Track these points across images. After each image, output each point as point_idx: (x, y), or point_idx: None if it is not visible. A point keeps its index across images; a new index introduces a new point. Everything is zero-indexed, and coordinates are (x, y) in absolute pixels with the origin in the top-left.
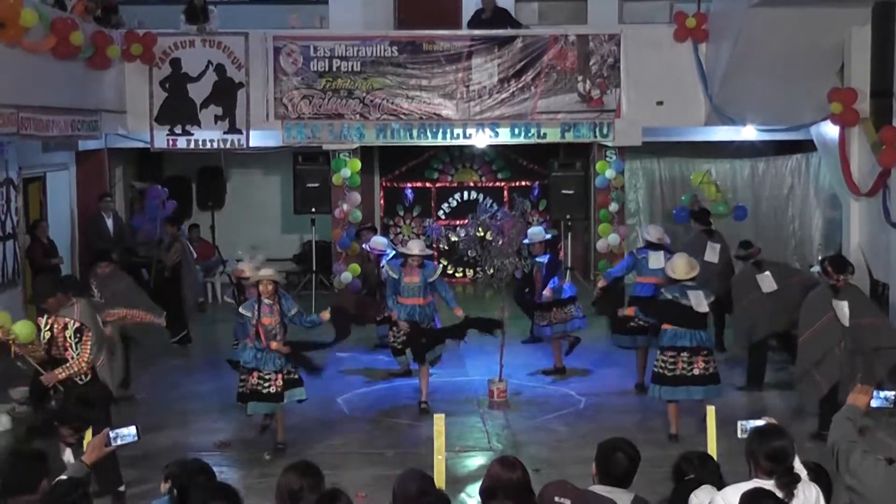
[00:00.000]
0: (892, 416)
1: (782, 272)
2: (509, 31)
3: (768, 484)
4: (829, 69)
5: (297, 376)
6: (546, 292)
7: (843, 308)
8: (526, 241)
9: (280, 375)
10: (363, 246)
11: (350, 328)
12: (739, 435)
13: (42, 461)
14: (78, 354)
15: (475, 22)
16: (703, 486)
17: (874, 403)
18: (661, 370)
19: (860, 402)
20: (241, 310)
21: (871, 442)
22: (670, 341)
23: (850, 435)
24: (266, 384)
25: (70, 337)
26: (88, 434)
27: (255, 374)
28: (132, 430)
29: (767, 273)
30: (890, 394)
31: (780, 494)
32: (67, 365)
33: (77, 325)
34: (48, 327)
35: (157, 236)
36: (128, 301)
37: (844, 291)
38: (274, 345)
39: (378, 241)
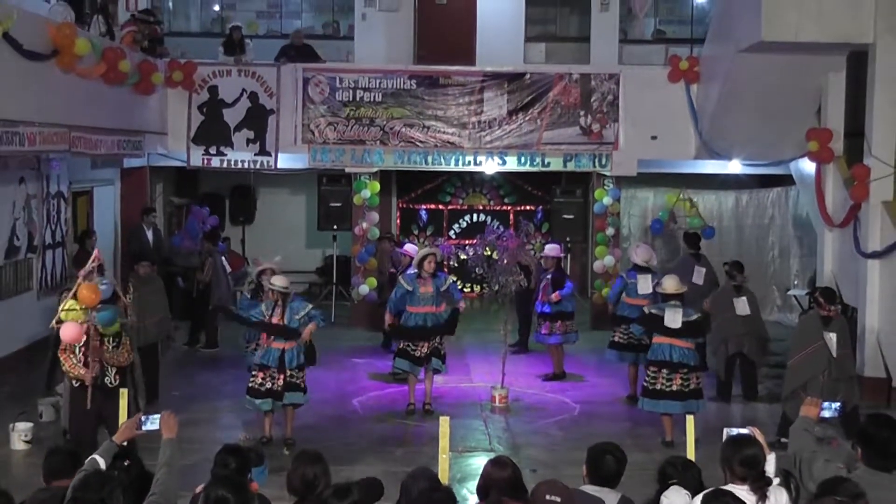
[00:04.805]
0: None
1: (752, 302)
2: (518, 69)
3: (742, 489)
4: (808, 111)
5: (298, 381)
6: (554, 296)
7: (832, 339)
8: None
9: (283, 376)
10: (398, 250)
11: None
12: None
13: (76, 455)
14: (116, 353)
15: (282, 54)
16: (672, 487)
17: (824, 414)
18: (646, 384)
19: (811, 413)
20: (263, 307)
21: (832, 450)
22: (653, 355)
23: (810, 445)
24: (271, 381)
25: (109, 340)
26: (123, 415)
27: (269, 370)
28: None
29: (744, 298)
30: (836, 405)
31: (753, 498)
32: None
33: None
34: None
35: (197, 249)
36: (153, 306)
37: (834, 323)
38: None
39: (412, 248)
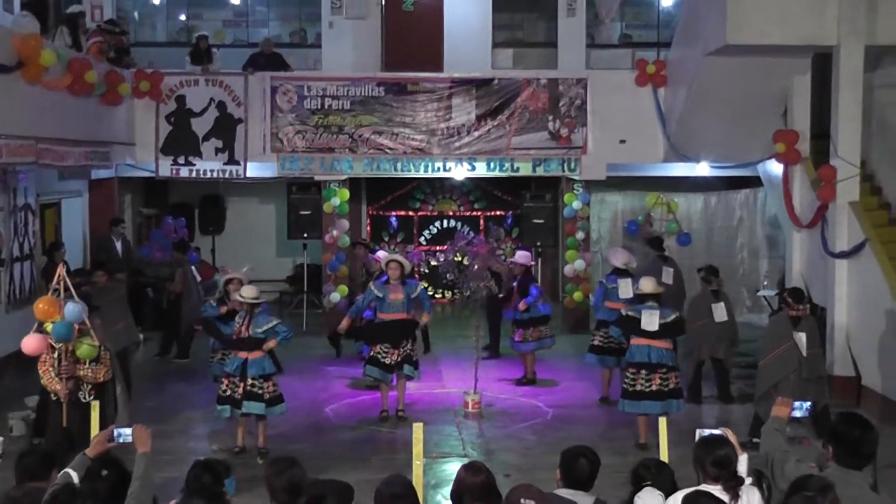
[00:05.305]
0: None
1: (728, 306)
2: (486, 74)
3: (715, 489)
4: (775, 113)
5: (260, 391)
6: (521, 305)
7: (802, 339)
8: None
9: (243, 384)
10: (370, 256)
11: None
12: None
13: (51, 457)
14: (94, 369)
15: (251, 63)
16: (646, 489)
17: (795, 414)
18: (625, 386)
19: (782, 413)
20: (237, 318)
21: (803, 449)
22: (631, 357)
23: (781, 445)
24: (231, 389)
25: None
26: (95, 428)
27: (232, 378)
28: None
29: (722, 304)
30: (807, 404)
31: (726, 497)
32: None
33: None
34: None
35: (168, 260)
36: (113, 314)
37: (803, 323)
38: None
39: (384, 255)
